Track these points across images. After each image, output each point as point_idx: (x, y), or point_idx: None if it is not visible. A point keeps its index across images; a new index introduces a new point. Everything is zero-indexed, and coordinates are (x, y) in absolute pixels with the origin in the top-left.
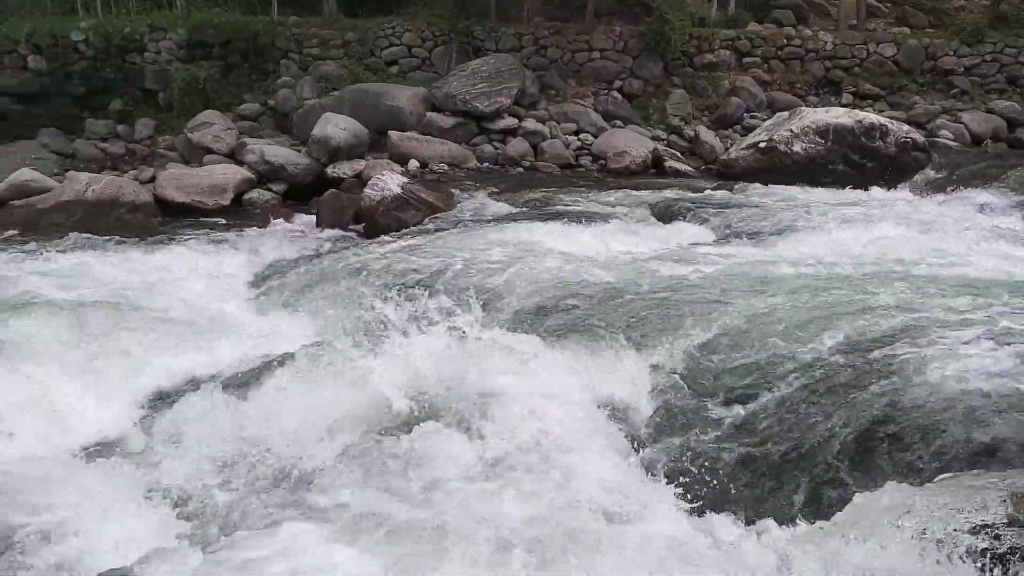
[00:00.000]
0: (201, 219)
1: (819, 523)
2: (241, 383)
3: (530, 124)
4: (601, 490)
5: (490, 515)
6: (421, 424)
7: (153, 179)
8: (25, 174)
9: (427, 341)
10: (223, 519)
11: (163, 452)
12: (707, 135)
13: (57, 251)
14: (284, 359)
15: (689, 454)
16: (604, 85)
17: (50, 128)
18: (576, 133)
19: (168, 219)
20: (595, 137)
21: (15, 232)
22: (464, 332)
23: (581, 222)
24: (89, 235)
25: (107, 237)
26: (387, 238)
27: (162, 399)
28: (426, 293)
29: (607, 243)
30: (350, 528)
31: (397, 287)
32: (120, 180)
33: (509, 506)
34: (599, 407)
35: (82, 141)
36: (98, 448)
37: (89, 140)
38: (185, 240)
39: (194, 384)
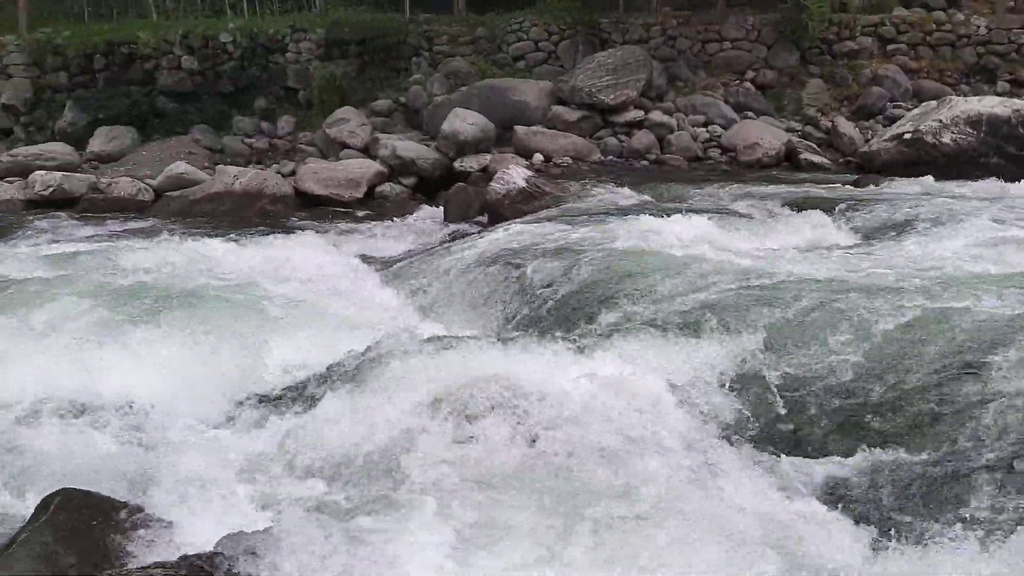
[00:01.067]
0: (336, 211)
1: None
2: (367, 370)
3: (656, 116)
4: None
5: None
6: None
7: (293, 173)
8: (180, 167)
9: (545, 336)
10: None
11: (291, 436)
12: (846, 126)
13: (207, 238)
14: (411, 348)
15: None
16: (735, 75)
17: (202, 125)
18: (705, 125)
19: (306, 210)
20: (725, 129)
21: (170, 220)
22: (580, 327)
23: (708, 215)
24: (235, 224)
25: (252, 226)
26: (510, 230)
27: (291, 384)
28: (547, 289)
29: (736, 237)
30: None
31: (517, 280)
32: (264, 173)
33: None
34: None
35: (230, 137)
36: (226, 427)
37: (236, 136)
38: (322, 230)
39: (321, 370)
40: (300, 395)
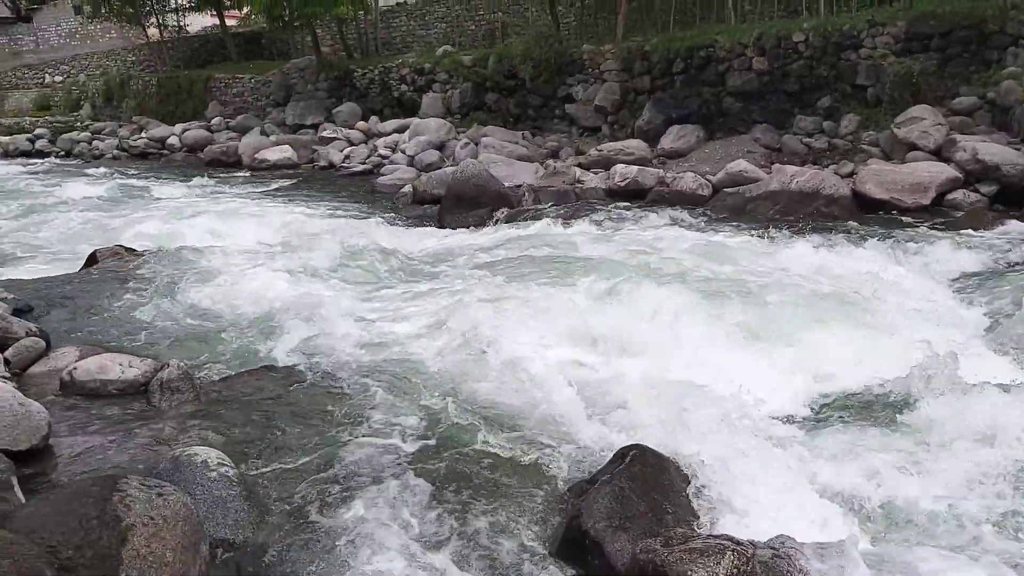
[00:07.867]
0: (897, 217)
1: None
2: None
3: None
4: None
5: None
6: None
7: (852, 174)
8: (740, 164)
9: None
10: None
11: (831, 440)
12: None
13: (764, 236)
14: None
15: None
16: None
17: (763, 124)
18: None
19: (863, 214)
20: None
21: (726, 215)
22: None
23: None
24: (789, 223)
25: (807, 227)
26: None
27: (841, 390)
28: None
29: None
30: None
31: None
32: (822, 174)
33: None
34: None
35: (789, 136)
36: (777, 421)
37: (795, 135)
38: (882, 236)
39: (870, 379)
40: (865, 406)
